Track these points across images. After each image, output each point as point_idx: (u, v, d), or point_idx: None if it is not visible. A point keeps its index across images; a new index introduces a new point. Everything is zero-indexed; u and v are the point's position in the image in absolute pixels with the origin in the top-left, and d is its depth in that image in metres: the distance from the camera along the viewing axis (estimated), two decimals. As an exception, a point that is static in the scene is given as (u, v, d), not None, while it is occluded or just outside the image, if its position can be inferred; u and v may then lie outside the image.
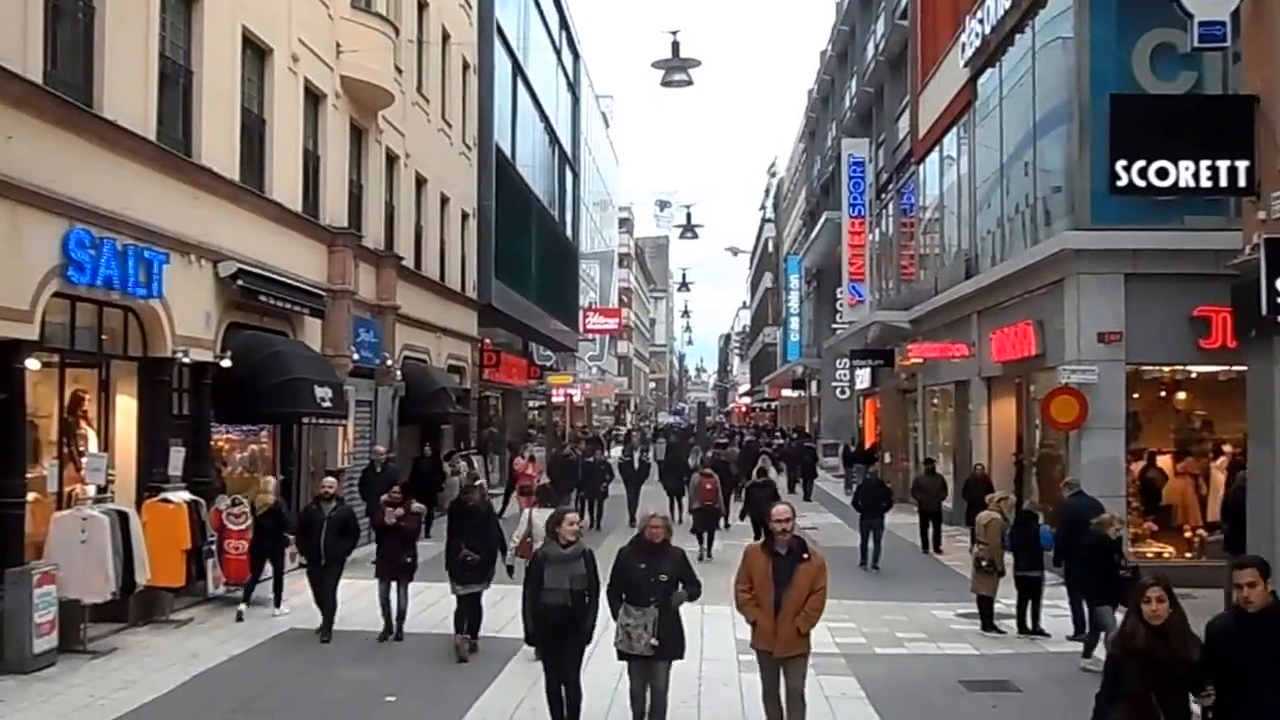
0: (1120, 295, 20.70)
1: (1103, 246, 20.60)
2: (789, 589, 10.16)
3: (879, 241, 43.45)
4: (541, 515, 14.83)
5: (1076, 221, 21.14)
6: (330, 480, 16.60)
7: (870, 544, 23.71)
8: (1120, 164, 15.02)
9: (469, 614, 14.97)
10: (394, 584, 15.74)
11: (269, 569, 17.78)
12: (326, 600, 15.70)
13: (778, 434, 60.31)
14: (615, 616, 10.52)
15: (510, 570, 15.01)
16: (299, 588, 19.64)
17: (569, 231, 59.49)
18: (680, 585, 10.54)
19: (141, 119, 16.49)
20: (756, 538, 23.05)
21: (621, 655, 10.56)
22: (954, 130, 31.02)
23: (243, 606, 17.17)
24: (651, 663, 10.46)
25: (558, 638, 10.65)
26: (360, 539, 16.27)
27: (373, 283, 27.00)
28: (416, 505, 16.26)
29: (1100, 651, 13.70)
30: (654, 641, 10.29)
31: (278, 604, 17.34)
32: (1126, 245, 20.45)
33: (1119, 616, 13.63)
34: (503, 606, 17.18)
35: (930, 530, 26.35)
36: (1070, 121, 21.58)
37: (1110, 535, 14.41)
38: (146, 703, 12.27)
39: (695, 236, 58.70)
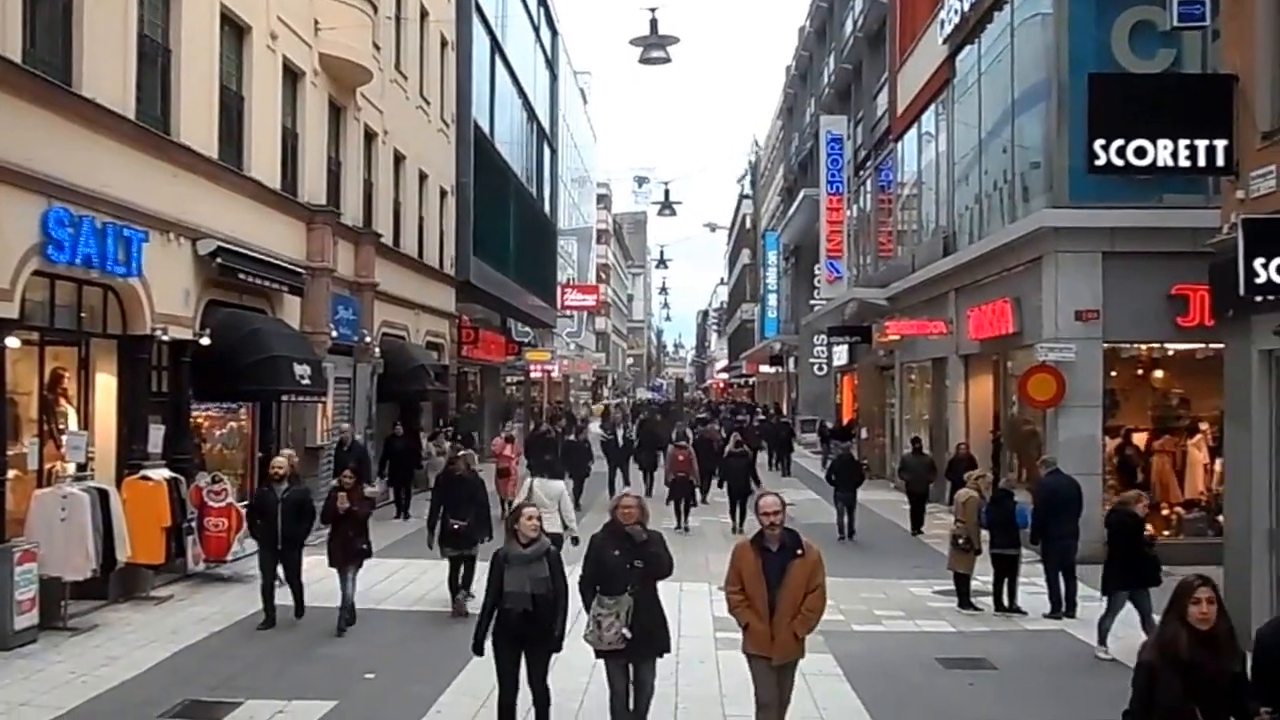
0: (1098, 273, 20.80)
1: (1081, 224, 20.70)
2: (783, 588, 9.12)
3: (857, 218, 43.51)
4: (544, 484, 16.53)
5: (1055, 199, 21.21)
6: (280, 461, 15.56)
7: (845, 518, 24.76)
8: (1099, 143, 15.05)
9: (464, 572, 16.08)
10: (347, 571, 14.88)
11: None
12: (292, 582, 15.41)
13: (759, 410, 60.31)
14: (588, 609, 9.66)
15: (575, 540, 14.89)
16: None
17: (547, 208, 59.50)
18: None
19: (120, 97, 16.42)
20: (732, 510, 25.63)
21: (599, 654, 9.68)
22: (932, 107, 31.04)
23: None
24: (635, 660, 9.63)
25: (517, 646, 9.56)
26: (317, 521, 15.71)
27: (351, 260, 27.00)
28: (369, 490, 15.64)
29: (1115, 641, 13.73)
30: (626, 632, 9.41)
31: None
32: (1104, 223, 20.53)
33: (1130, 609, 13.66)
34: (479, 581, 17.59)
35: (916, 511, 25.86)
36: (1049, 99, 21.61)
37: (1137, 513, 13.94)
38: (128, 679, 12.29)
39: (673, 213, 58.35)
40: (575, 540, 15.03)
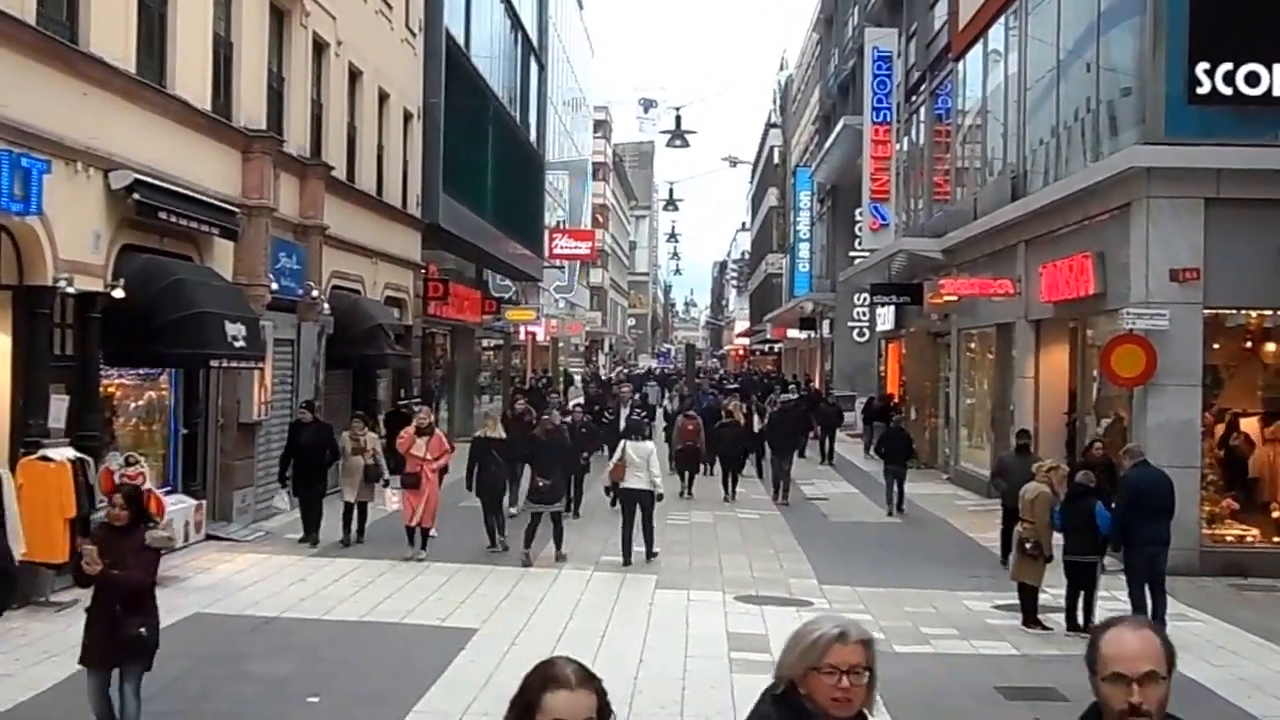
0: (1199, 224, 20.65)
1: (1179, 164, 20.55)
2: None
3: (907, 153, 43.50)
4: (635, 446, 21.90)
5: (1148, 134, 21.07)
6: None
7: (895, 489, 28.50)
8: (1202, 67, 15.05)
9: (552, 528, 21.27)
10: (115, 674, 10.71)
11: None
12: None
13: (790, 384, 60.42)
14: None
15: (659, 496, 22.10)
16: (212, 563, 19.76)
17: (533, 136, 59.48)
18: None
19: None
20: (725, 479, 31.42)
21: None
22: (1001, 20, 30.99)
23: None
24: None
25: None
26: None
27: (296, 197, 27.01)
28: (153, 535, 10.98)
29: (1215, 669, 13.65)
30: None
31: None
32: (1208, 164, 20.38)
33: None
34: (449, 588, 17.55)
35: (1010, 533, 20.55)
36: (1143, 13, 21.34)
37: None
38: (23, 701, 12.22)
39: (686, 144, 57.72)
40: (660, 496, 22.02)
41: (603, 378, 71.74)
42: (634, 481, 21.72)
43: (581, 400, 42.85)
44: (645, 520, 21.72)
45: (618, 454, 22.15)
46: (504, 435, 23.64)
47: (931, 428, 38.74)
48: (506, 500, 23.93)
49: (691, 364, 63.20)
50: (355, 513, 22.71)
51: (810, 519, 27.94)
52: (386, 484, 22.88)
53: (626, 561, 21.21)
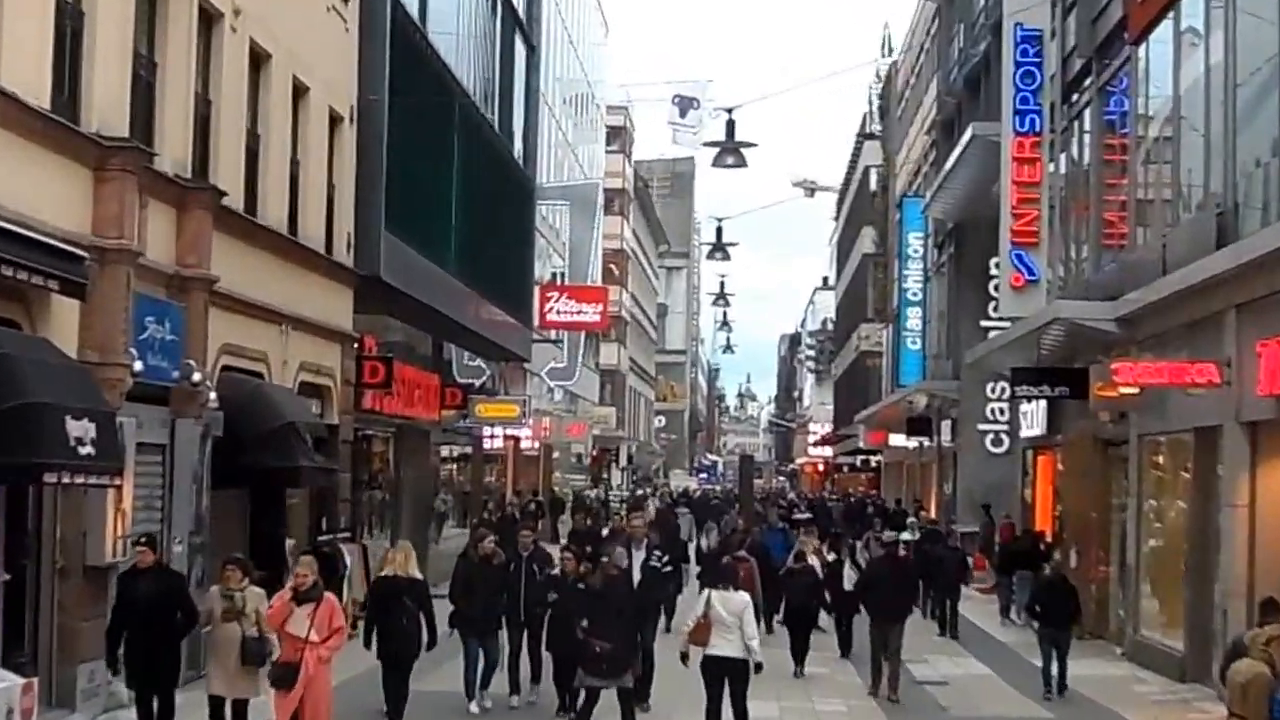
0: None
1: None
2: None
3: (1066, 177, 43.34)
4: (724, 598, 22.27)
5: None
6: None
7: (1055, 665, 28.91)
8: None
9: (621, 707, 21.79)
10: None
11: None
12: None
13: (904, 514, 59.82)
14: None
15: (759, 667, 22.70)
16: None
17: (518, 149, 59.06)
18: None
19: None
20: (794, 646, 31.62)
21: None
22: (1201, -15, 31.12)
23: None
24: None
25: None
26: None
27: (171, 236, 26.89)
28: None
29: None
30: None
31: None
32: None
33: None
34: None
35: None
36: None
37: None
38: None
39: (743, 163, 57.08)
40: (759, 667, 22.62)
41: (591, 502, 70.37)
42: (723, 647, 22.21)
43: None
44: (737, 703, 22.54)
45: (699, 607, 22.57)
46: (420, 576, 24.09)
47: (1099, 579, 38.31)
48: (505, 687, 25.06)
49: (748, 483, 62.96)
50: (230, 716, 21.26)
51: (924, 714, 27.87)
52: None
53: None
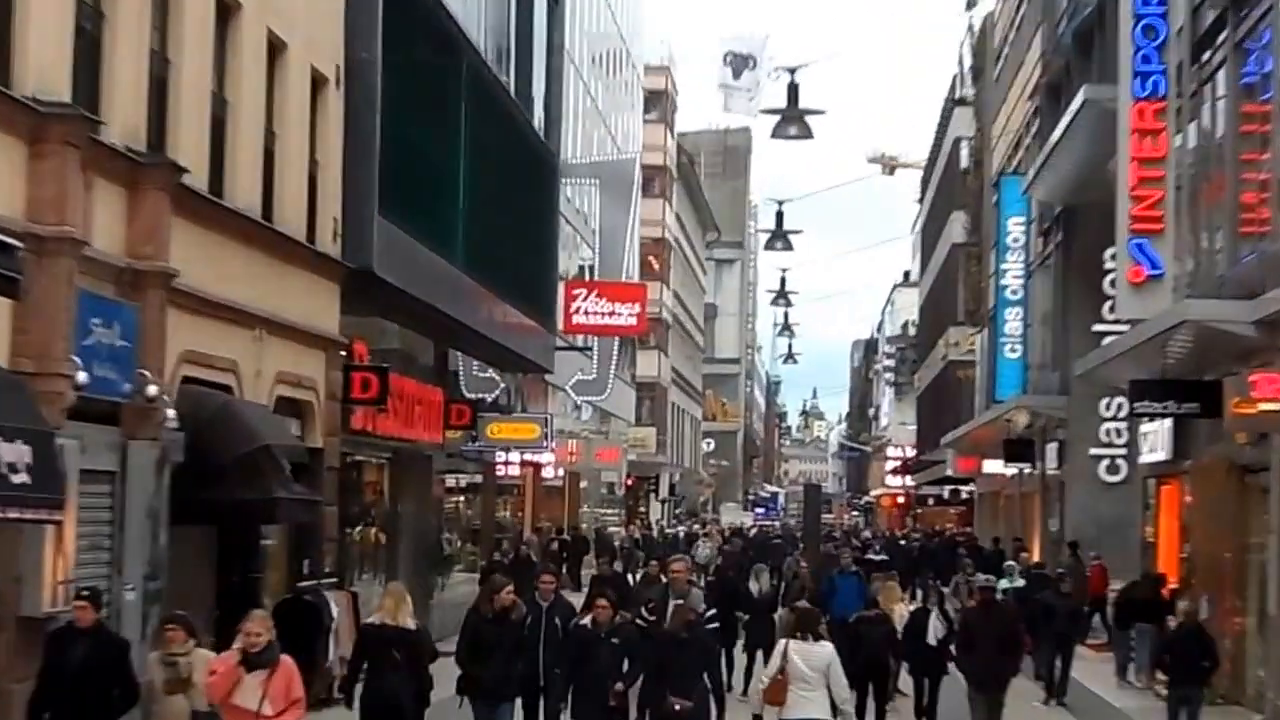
0: None
1: None
2: None
3: (1195, 152, 43.16)
4: (803, 650, 22.68)
5: None
6: None
7: None
8: None
9: None
10: None
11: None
12: None
13: (1002, 556, 59.55)
14: None
15: None
16: None
17: (538, 119, 59.51)
18: None
19: None
20: (864, 704, 31.39)
21: None
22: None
23: None
24: None
25: None
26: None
27: (122, 222, 26.99)
28: None
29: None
30: None
31: None
32: None
33: None
34: None
35: None
36: None
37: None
38: None
39: (807, 134, 56.54)
40: None
41: (624, 542, 71.00)
42: (803, 708, 22.57)
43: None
44: None
45: (775, 661, 23.05)
46: (413, 625, 24.28)
47: (1234, 633, 37.92)
48: None
49: (815, 518, 62.55)
50: None
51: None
52: None
53: None
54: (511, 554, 51.77)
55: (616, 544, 72.48)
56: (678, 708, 22.58)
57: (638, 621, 28.55)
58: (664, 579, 33.97)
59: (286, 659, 21.00)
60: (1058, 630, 40.02)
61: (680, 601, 26.31)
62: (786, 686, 22.34)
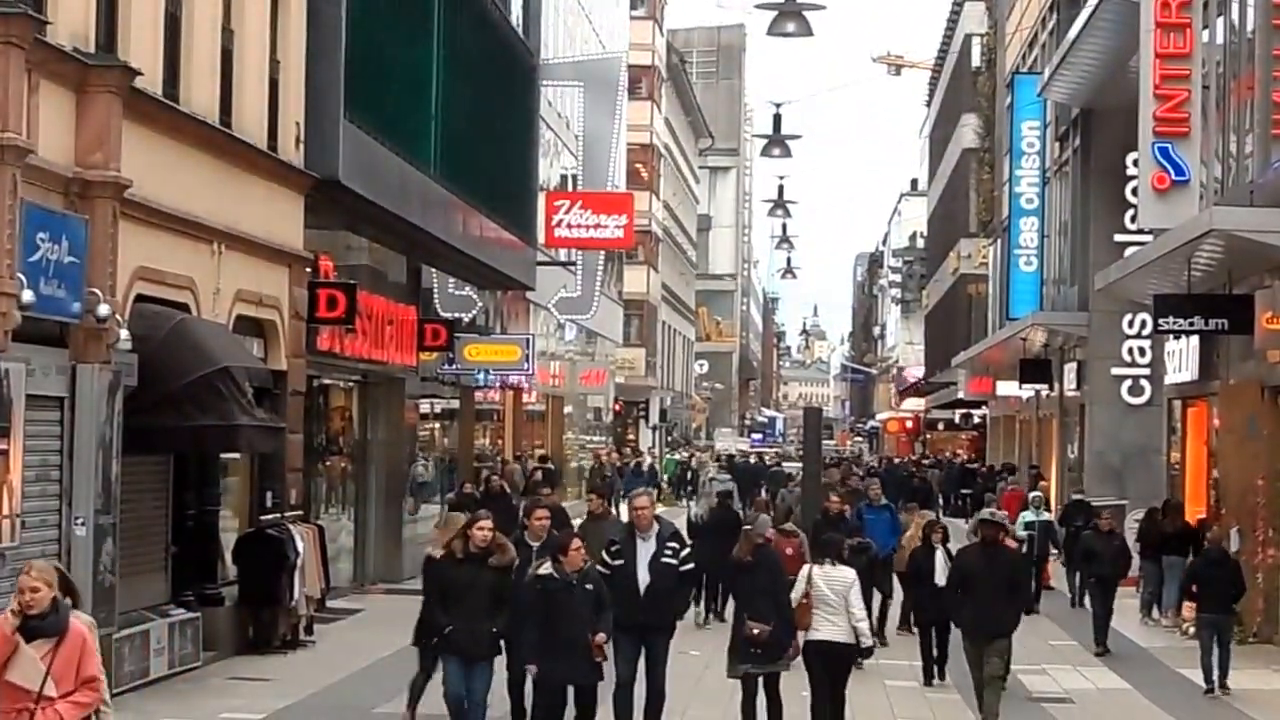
0: None
1: None
2: None
3: (1223, 49, 42.94)
4: (826, 574, 24.34)
5: None
6: None
7: (1216, 653, 30.33)
8: None
9: (768, 704, 23.90)
10: None
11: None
12: None
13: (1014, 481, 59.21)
14: None
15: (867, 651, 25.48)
16: None
17: (516, 15, 59.54)
18: None
19: None
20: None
21: None
22: None
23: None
24: None
25: None
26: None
27: (68, 127, 26.88)
28: None
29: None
30: None
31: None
32: None
33: None
34: None
35: None
36: None
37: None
38: None
39: (807, 30, 55.68)
40: (869, 651, 25.59)
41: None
42: (828, 630, 23.96)
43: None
44: (834, 694, 24.40)
45: (799, 585, 24.37)
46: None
47: (1266, 567, 37.30)
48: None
49: (816, 444, 61.67)
50: None
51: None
52: None
53: None
54: (483, 486, 49.98)
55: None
56: (755, 631, 23.29)
57: (599, 568, 26.11)
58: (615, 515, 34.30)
59: (78, 625, 16.45)
60: (1099, 574, 38.71)
61: (750, 528, 26.70)
62: (811, 609, 23.75)
